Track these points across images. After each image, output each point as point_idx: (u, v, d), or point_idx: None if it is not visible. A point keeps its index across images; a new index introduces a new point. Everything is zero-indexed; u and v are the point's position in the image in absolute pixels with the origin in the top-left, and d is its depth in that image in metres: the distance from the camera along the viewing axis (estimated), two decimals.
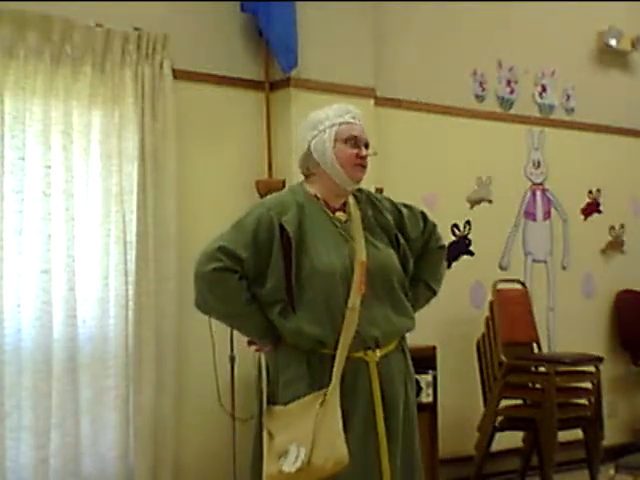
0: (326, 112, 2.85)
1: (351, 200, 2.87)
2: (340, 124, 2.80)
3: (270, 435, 2.66)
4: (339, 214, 2.83)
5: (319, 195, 2.82)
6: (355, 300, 2.67)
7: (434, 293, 3.01)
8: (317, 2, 4.82)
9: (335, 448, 2.57)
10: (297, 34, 4.71)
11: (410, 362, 2.87)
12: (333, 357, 2.65)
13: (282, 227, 2.69)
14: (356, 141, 2.81)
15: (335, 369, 2.64)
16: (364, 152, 2.81)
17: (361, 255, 2.73)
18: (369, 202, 2.91)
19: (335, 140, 2.79)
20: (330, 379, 2.64)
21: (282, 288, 2.67)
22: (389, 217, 2.89)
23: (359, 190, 2.91)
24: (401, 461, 2.74)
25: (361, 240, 2.78)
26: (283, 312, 2.69)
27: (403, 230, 2.90)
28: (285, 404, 2.67)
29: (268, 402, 2.72)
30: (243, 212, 2.84)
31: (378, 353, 2.72)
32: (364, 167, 2.82)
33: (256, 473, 2.74)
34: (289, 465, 2.58)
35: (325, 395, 2.61)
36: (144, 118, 4.43)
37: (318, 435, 2.57)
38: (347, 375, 2.66)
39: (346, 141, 2.79)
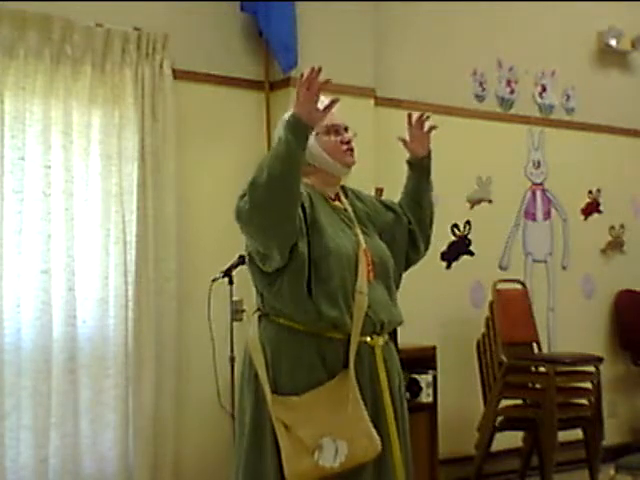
0: None
1: (340, 192, 2.90)
2: None
3: (286, 428, 2.60)
4: (337, 203, 2.86)
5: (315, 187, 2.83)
6: (363, 284, 2.69)
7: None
8: (317, 2, 4.82)
9: (372, 438, 2.59)
10: (297, 34, 4.71)
11: (399, 359, 2.88)
12: (342, 342, 2.65)
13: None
14: (337, 128, 2.83)
15: (351, 352, 2.63)
16: (347, 136, 2.84)
17: (362, 243, 2.76)
18: (354, 196, 2.95)
19: (317, 134, 2.78)
20: (342, 365, 2.63)
21: (306, 264, 2.64)
22: (373, 209, 2.94)
23: (342, 186, 2.93)
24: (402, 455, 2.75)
25: (358, 230, 2.81)
26: (301, 293, 2.64)
27: (386, 208, 2.97)
28: (296, 392, 2.62)
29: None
30: None
31: (381, 339, 2.74)
32: (352, 150, 2.86)
33: (260, 466, 2.66)
34: (329, 460, 2.57)
35: (345, 384, 2.60)
36: (144, 118, 4.43)
37: (354, 428, 2.58)
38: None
39: (327, 132, 2.81)
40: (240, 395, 2.79)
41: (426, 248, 3.05)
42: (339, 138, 2.82)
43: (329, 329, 2.65)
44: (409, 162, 3.07)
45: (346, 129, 2.87)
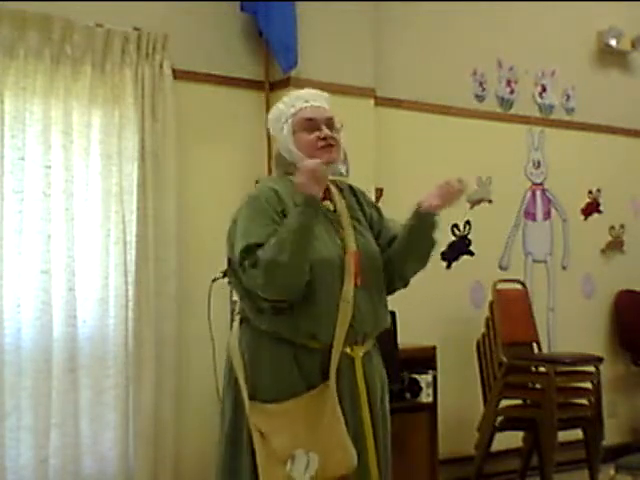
0: (279, 107, 2.80)
1: (334, 190, 2.81)
2: (293, 115, 2.74)
3: (262, 436, 2.57)
4: (326, 203, 2.75)
5: None
6: (349, 292, 2.62)
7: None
8: (317, 2, 4.82)
9: (346, 452, 2.55)
10: (297, 34, 4.71)
11: (382, 365, 2.83)
12: (321, 351, 2.60)
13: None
14: (314, 123, 2.72)
15: (332, 366, 2.59)
16: (324, 132, 2.71)
17: (352, 245, 2.68)
18: (351, 193, 2.87)
19: (293, 133, 2.72)
20: (320, 375, 2.60)
21: None
22: (370, 210, 2.87)
23: (335, 182, 2.86)
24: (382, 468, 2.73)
25: (350, 229, 2.73)
26: (276, 306, 2.61)
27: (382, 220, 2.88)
28: (273, 400, 2.59)
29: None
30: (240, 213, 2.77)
31: (362, 349, 2.69)
32: (331, 146, 2.72)
33: (235, 473, 2.65)
34: (299, 472, 2.53)
35: (325, 396, 2.56)
36: (144, 118, 4.42)
37: (328, 440, 2.54)
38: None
39: (303, 129, 2.72)
40: (223, 399, 2.76)
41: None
42: (316, 134, 2.71)
43: (307, 339, 2.61)
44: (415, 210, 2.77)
45: (330, 123, 2.75)
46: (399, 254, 2.78)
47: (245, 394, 2.62)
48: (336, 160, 2.76)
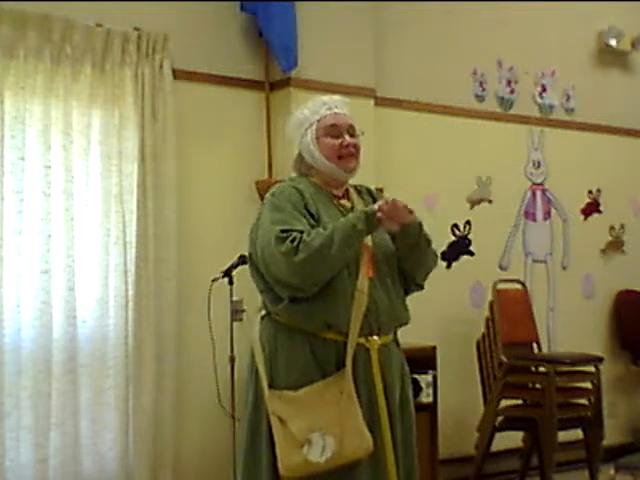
0: (303, 112, 2.90)
1: (352, 190, 2.93)
2: (318, 120, 2.85)
3: (281, 421, 2.65)
4: (344, 201, 2.87)
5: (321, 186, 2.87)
6: (363, 283, 2.70)
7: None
8: (317, 2, 4.82)
9: (362, 437, 2.61)
10: (297, 34, 4.71)
11: (404, 360, 2.89)
12: (336, 341, 2.67)
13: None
14: (337, 129, 2.83)
15: (348, 352, 2.65)
16: (347, 140, 2.82)
17: (367, 240, 2.76)
18: (369, 194, 2.98)
19: (317, 138, 2.82)
20: (336, 365, 2.66)
21: None
22: None
23: (355, 185, 2.97)
24: (401, 459, 2.76)
25: None
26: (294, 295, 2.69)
27: None
28: (290, 389, 2.66)
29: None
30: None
31: (378, 340, 2.74)
32: (352, 155, 2.84)
33: (255, 459, 2.72)
34: (316, 455, 2.60)
35: (342, 382, 2.63)
36: (144, 118, 4.42)
37: (344, 425, 2.59)
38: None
39: (327, 134, 2.82)
40: (246, 388, 2.85)
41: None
42: (339, 142, 2.82)
43: (323, 329, 2.68)
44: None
45: (351, 130, 2.87)
46: (402, 262, 2.88)
47: (265, 383, 2.70)
48: (356, 168, 2.88)
